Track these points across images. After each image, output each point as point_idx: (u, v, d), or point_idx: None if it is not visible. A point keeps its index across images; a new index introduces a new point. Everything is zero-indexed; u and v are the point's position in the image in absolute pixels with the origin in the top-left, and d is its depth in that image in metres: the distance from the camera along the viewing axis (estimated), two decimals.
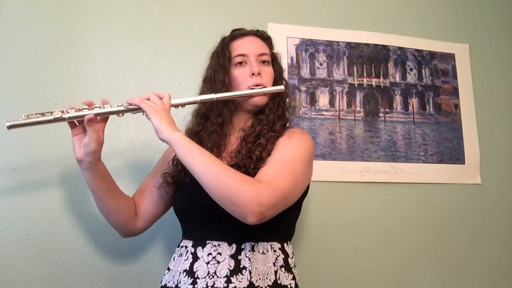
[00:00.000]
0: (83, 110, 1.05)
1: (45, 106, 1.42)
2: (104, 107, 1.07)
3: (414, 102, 1.79)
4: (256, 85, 1.13)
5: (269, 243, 1.07)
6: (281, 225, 1.09)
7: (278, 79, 1.20)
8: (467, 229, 1.74)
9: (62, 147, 1.40)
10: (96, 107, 1.06)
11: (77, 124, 1.08)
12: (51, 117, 1.04)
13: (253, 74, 1.14)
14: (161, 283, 1.14)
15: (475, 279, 1.70)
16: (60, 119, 1.04)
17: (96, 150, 1.06)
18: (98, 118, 1.06)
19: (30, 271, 1.34)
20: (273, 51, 1.25)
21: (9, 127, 1.02)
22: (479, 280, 1.71)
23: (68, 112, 1.05)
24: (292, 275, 1.08)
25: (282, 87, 1.17)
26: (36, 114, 1.05)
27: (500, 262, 1.74)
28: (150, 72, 1.55)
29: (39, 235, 1.37)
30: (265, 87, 1.14)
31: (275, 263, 1.06)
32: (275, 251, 1.07)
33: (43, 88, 1.45)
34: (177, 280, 1.07)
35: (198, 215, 1.09)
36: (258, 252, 1.05)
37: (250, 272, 1.01)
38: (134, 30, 1.56)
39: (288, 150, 1.06)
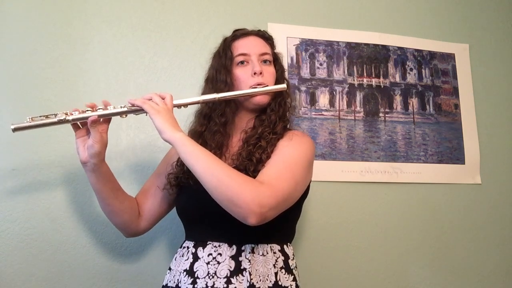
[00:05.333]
0: (87, 112, 1.06)
1: (45, 106, 1.42)
2: (107, 109, 1.07)
3: (414, 102, 1.79)
4: (258, 84, 1.13)
5: (269, 245, 1.07)
6: (281, 227, 1.09)
7: (279, 78, 1.21)
8: (467, 229, 1.74)
9: (62, 146, 1.41)
10: (99, 109, 1.07)
11: (81, 126, 1.09)
12: (55, 119, 1.05)
13: (254, 73, 1.13)
14: (162, 283, 1.15)
15: (475, 279, 1.70)
16: (64, 121, 1.05)
17: (100, 151, 1.06)
18: (101, 119, 1.06)
19: (30, 271, 1.34)
20: (275, 51, 1.25)
21: (14, 130, 1.03)
22: (479, 280, 1.71)
23: (72, 114, 1.05)
24: (293, 276, 1.08)
25: (284, 85, 1.17)
26: (40, 116, 1.05)
27: (500, 262, 1.74)
28: (150, 72, 1.55)
29: (39, 235, 1.37)
30: (267, 86, 1.14)
31: (275, 265, 1.06)
32: (274, 253, 1.07)
33: (43, 88, 1.45)
34: (177, 279, 1.07)
35: (200, 216, 1.10)
36: (258, 254, 1.05)
37: (250, 274, 1.02)
38: (134, 30, 1.56)
39: (288, 152, 1.06)
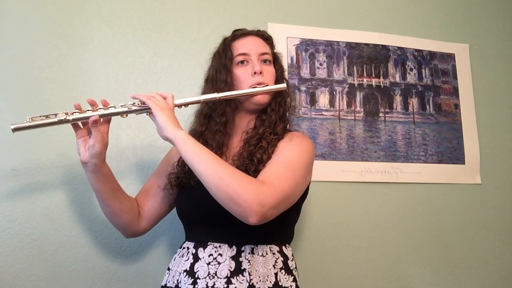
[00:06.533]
0: (87, 112, 1.05)
1: (45, 106, 1.42)
2: (108, 108, 1.07)
3: (414, 102, 1.79)
4: (258, 84, 1.13)
5: (268, 246, 1.07)
6: (280, 228, 1.09)
7: (279, 78, 1.21)
8: (467, 229, 1.74)
9: (62, 146, 1.41)
10: (100, 109, 1.06)
11: (82, 126, 1.08)
12: (55, 119, 1.04)
13: (255, 73, 1.14)
14: (161, 283, 1.15)
15: (475, 279, 1.70)
16: (65, 121, 1.04)
17: (101, 151, 1.06)
18: (102, 119, 1.06)
19: (30, 271, 1.34)
20: (274, 50, 1.25)
21: (14, 130, 1.03)
22: (479, 280, 1.71)
23: (73, 114, 1.05)
24: (292, 277, 1.08)
25: (284, 85, 1.17)
26: (40, 116, 1.04)
27: (500, 262, 1.74)
28: (150, 72, 1.55)
29: (39, 235, 1.36)
30: (267, 85, 1.14)
31: (275, 266, 1.06)
32: (274, 253, 1.07)
33: (43, 88, 1.45)
34: (177, 280, 1.07)
35: (201, 217, 1.10)
36: (258, 254, 1.05)
37: (249, 274, 1.02)
38: (134, 30, 1.56)
39: (289, 153, 1.07)
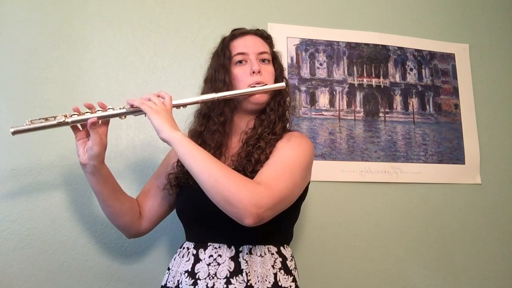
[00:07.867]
0: (86, 114, 1.06)
1: (45, 106, 1.43)
2: (106, 110, 1.07)
3: (414, 102, 1.79)
4: (257, 83, 1.13)
5: (266, 246, 1.07)
6: (278, 229, 1.09)
7: (278, 77, 1.20)
8: (467, 229, 1.74)
9: (62, 147, 1.41)
10: (98, 111, 1.07)
11: (81, 128, 1.09)
12: (54, 122, 1.05)
13: (253, 72, 1.13)
14: (161, 283, 1.15)
15: (475, 279, 1.70)
16: (64, 124, 1.05)
17: (99, 153, 1.06)
18: (100, 122, 1.06)
19: (30, 271, 1.34)
20: (274, 49, 1.25)
21: (14, 133, 1.04)
22: (479, 280, 1.71)
23: (71, 116, 1.06)
24: (292, 277, 1.08)
25: (283, 84, 1.16)
26: (39, 119, 1.05)
27: (500, 262, 1.74)
28: (150, 72, 1.55)
29: (39, 235, 1.37)
30: (265, 85, 1.14)
31: (274, 266, 1.06)
32: (272, 254, 1.07)
33: (43, 88, 1.45)
34: (178, 280, 1.07)
35: (199, 217, 1.10)
36: (256, 255, 1.05)
37: (247, 274, 1.02)
38: (134, 30, 1.56)
39: (287, 153, 1.06)
